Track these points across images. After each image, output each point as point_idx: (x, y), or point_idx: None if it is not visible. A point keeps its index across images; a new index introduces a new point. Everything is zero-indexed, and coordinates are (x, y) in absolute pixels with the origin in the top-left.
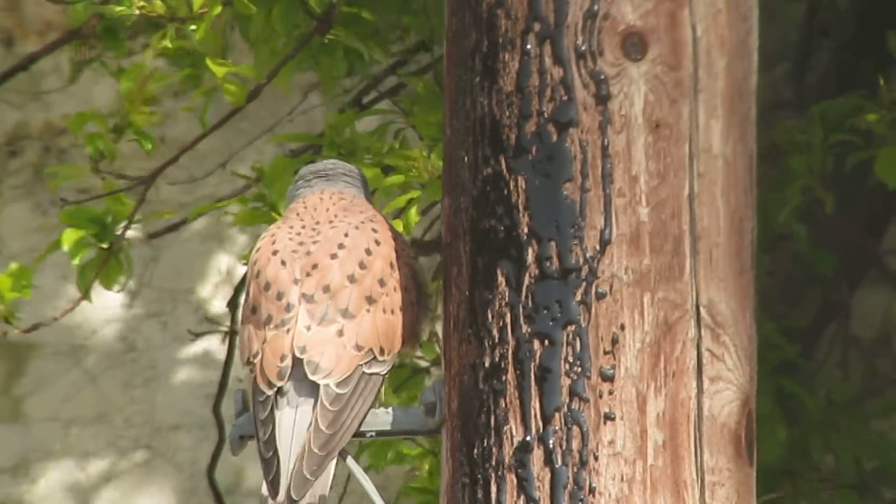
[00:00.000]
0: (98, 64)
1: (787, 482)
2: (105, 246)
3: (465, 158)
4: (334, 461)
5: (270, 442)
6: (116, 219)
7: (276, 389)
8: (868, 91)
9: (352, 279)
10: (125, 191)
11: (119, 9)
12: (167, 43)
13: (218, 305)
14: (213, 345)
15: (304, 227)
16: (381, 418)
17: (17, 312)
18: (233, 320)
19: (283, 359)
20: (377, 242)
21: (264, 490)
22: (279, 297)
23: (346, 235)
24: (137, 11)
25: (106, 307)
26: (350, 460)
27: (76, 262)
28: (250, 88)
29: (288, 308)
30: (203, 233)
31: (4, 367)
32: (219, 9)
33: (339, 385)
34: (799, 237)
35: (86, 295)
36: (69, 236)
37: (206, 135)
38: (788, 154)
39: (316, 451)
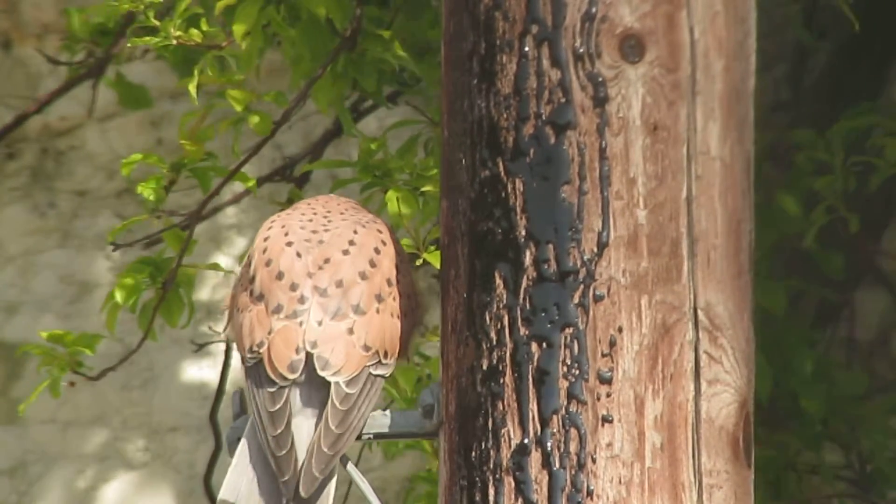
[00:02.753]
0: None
1: (792, 478)
2: (159, 286)
3: (463, 161)
4: (337, 471)
5: (285, 438)
6: (169, 258)
7: (290, 382)
8: (870, 99)
9: (363, 276)
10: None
11: (155, 40)
12: (209, 72)
13: (217, 309)
14: (212, 346)
15: (315, 214)
16: (379, 421)
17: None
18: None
19: (297, 351)
20: (383, 242)
21: (227, 495)
22: (293, 287)
23: (355, 233)
24: (174, 42)
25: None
26: (350, 466)
27: (132, 307)
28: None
29: (302, 300)
30: (202, 235)
31: (2, 370)
32: (261, 41)
33: (348, 385)
34: (808, 239)
35: (148, 335)
36: (122, 286)
37: (240, 166)
38: (810, 174)
39: (325, 449)
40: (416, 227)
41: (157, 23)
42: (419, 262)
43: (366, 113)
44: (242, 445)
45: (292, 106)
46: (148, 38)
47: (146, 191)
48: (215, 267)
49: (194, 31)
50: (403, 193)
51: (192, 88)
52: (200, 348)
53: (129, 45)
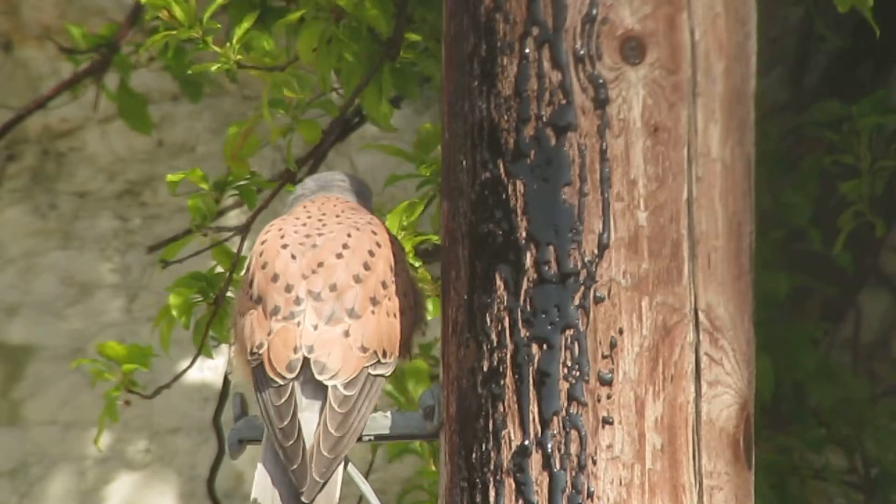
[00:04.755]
0: (101, 84)
1: (795, 482)
2: (211, 301)
3: (464, 162)
4: (341, 472)
5: (291, 429)
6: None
7: (289, 381)
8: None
9: (357, 279)
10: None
11: (216, 66)
12: (277, 95)
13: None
14: (212, 349)
15: (310, 217)
16: (380, 422)
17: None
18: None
19: (295, 350)
20: (378, 245)
21: (259, 496)
22: (288, 289)
23: (349, 236)
24: (235, 66)
25: (105, 310)
26: (351, 467)
27: (184, 323)
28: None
29: (297, 301)
30: (202, 237)
31: (3, 371)
32: (331, 58)
33: (346, 387)
34: (815, 238)
35: (202, 351)
36: (176, 301)
37: (287, 179)
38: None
39: (325, 453)
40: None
41: (218, 49)
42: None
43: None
44: (263, 447)
45: (341, 115)
46: (209, 63)
47: (194, 207)
48: None
49: (253, 53)
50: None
51: (266, 112)
52: (219, 343)
53: (189, 72)
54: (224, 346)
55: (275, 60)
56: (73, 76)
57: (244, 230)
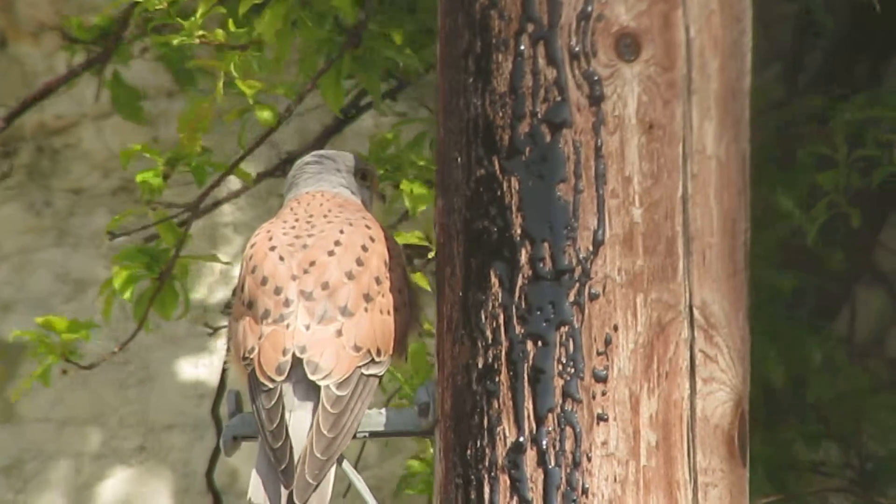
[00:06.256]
0: (94, 70)
1: (791, 476)
2: (155, 276)
3: (459, 159)
4: (333, 471)
5: (280, 431)
6: (166, 249)
7: (281, 380)
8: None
9: (349, 276)
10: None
11: (177, 39)
12: (233, 72)
13: (213, 306)
14: (208, 344)
15: (297, 220)
16: (375, 419)
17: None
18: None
19: (284, 353)
20: (372, 239)
21: (253, 496)
22: (277, 291)
23: (341, 232)
24: (197, 41)
25: (99, 308)
26: (346, 464)
27: (128, 297)
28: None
29: (287, 303)
30: (198, 233)
31: None
32: (292, 40)
33: (339, 387)
34: (809, 235)
35: (142, 325)
36: (120, 275)
37: (242, 158)
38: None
39: (318, 455)
40: (428, 220)
41: (183, 22)
42: (431, 255)
43: (366, 108)
44: (258, 448)
45: (299, 100)
46: (171, 36)
47: (144, 181)
48: (213, 258)
49: (219, 32)
50: (416, 185)
51: (219, 87)
52: (215, 332)
53: (152, 43)
54: (219, 342)
55: (239, 40)
56: (76, 67)
57: (194, 208)
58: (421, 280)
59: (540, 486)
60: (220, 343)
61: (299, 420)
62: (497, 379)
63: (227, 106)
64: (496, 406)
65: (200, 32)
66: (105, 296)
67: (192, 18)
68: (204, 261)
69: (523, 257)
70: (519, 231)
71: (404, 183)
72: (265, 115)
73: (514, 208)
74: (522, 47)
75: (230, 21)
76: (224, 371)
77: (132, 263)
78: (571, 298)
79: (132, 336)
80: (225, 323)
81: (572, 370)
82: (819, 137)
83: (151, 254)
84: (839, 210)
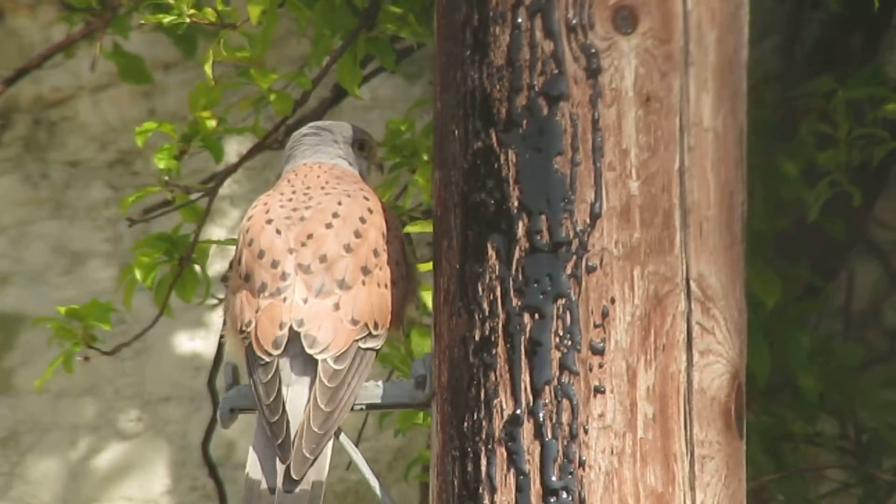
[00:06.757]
0: (100, 45)
1: (787, 448)
2: (176, 262)
3: (456, 132)
4: (331, 444)
5: (276, 405)
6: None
7: (277, 354)
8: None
9: (347, 248)
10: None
11: (168, 18)
12: (223, 51)
13: (211, 279)
14: (203, 317)
15: (294, 192)
16: (372, 391)
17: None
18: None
19: (281, 326)
20: (370, 211)
21: (251, 471)
22: (274, 265)
23: (339, 204)
24: (188, 20)
25: (96, 280)
26: (343, 437)
27: (149, 283)
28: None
29: (283, 276)
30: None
31: None
32: (276, 21)
33: (336, 361)
34: (809, 205)
35: (164, 310)
36: (141, 263)
37: (257, 147)
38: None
39: (315, 429)
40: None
41: (171, 0)
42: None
43: (365, 80)
44: (257, 422)
45: (314, 86)
46: (162, 16)
47: (160, 160)
48: (231, 242)
49: (208, 10)
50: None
51: (207, 68)
52: (220, 302)
53: (142, 22)
54: (215, 315)
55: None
56: (71, 35)
57: (213, 191)
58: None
59: (537, 459)
60: (217, 315)
61: (296, 394)
62: (494, 351)
63: (237, 90)
64: (493, 378)
65: (191, 11)
66: (126, 283)
67: None
68: (223, 244)
69: (520, 230)
70: (516, 204)
71: (420, 170)
72: (281, 105)
73: (511, 181)
74: (520, 20)
75: (219, 0)
76: (221, 343)
77: (152, 250)
78: (568, 271)
79: (154, 321)
80: (221, 296)
81: (569, 342)
82: (818, 114)
83: (171, 240)
84: (841, 188)
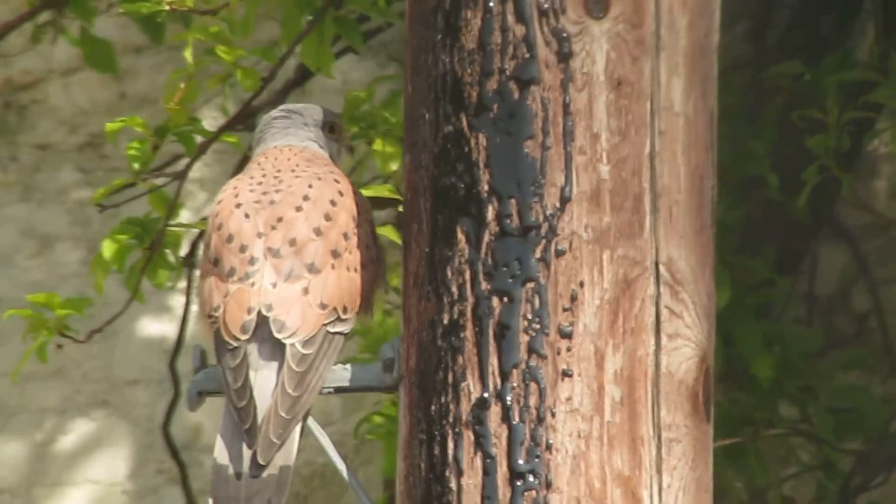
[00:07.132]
0: (60, 25)
1: (748, 432)
2: (147, 246)
3: (427, 116)
4: (299, 429)
5: (244, 390)
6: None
7: (245, 339)
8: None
9: (318, 232)
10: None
11: (147, 4)
12: (200, 37)
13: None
14: (171, 300)
15: (265, 175)
16: (339, 375)
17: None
18: (190, 276)
19: (249, 311)
20: (340, 193)
21: (218, 456)
22: (242, 249)
23: (310, 187)
24: (167, 7)
25: (65, 263)
26: (311, 421)
27: (118, 267)
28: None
29: (252, 261)
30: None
31: None
32: (258, 3)
33: (304, 345)
34: (771, 185)
35: (135, 296)
36: (109, 247)
37: (227, 125)
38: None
39: (283, 414)
40: (399, 177)
41: None
42: (400, 208)
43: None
44: (224, 408)
45: (280, 63)
46: (141, 4)
47: (133, 153)
48: (200, 225)
49: None
50: (389, 143)
51: (188, 54)
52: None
53: (121, 11)
54: (179, 295)
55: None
56: (35, 6)
57: (181, 176)
58: (391, 233)
59: (504, 442)
60: (182, 299)
61: (264, 379)
62: (462, 335)
63: (204, 70)
64: (461, 362)
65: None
66: (97, 269)
67: None
68: (192, 227)
69: (490, 214)
70: (486, 188)
71: (377, 141)
72: (248, 81)
73: (481, 165)
74: (491, 4)
75: None
76: (183, 326)
77: (123, 235)
78: (538, 255)
79: (126, 306)
80: (187, 278)
81: (538, 326)
82: (786, 96)
83: (141, 224)
84: (829, 173)
